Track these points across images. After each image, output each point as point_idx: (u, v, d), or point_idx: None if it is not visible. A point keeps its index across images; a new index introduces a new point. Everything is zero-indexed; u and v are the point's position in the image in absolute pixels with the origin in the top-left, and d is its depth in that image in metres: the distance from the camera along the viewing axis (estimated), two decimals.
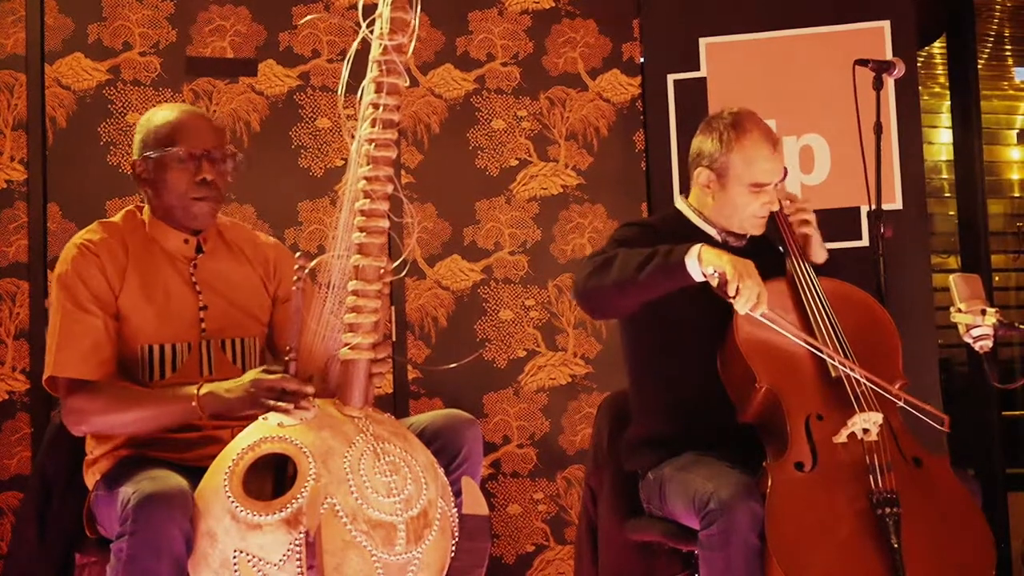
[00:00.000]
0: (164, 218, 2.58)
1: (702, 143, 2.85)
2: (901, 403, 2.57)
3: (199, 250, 2.60)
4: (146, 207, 2.62)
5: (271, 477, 2.19)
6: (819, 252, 2.86)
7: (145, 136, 2.57)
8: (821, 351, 2.58)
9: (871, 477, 2.45)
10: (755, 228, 2.85)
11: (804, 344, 2.58)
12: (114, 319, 2.48)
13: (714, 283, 2.46)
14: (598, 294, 2.66)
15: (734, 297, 2.43)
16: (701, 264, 2.48)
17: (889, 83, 3.65)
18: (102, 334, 2.45)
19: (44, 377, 2.46)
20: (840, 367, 2.57)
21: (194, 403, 2.34)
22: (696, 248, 2.50)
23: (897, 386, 2.59)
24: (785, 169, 2.94)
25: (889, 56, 3.72)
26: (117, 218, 2.62)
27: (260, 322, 2.66)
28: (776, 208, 2.83)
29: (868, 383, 2.55)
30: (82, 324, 2.44)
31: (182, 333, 2.53)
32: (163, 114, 2.58)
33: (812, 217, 2.85)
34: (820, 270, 2.82)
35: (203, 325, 2.55)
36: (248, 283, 2.66)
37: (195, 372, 2.51)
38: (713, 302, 2.60)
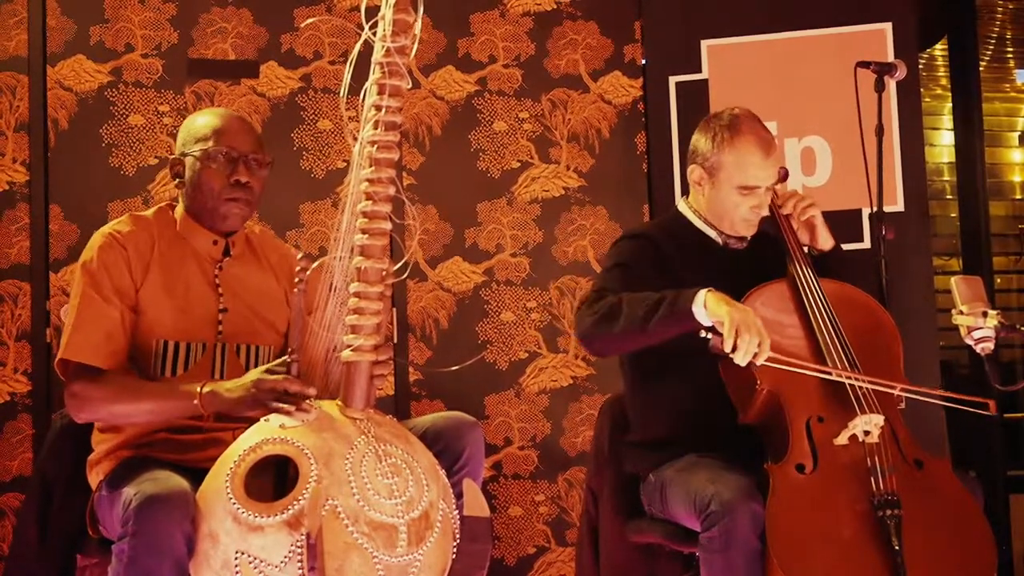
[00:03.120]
0: (196, 217, 2.60)
1: (698, 140, 2.86)
2: (936, 400, 2.59)
3: (227, 252, 2.62)
4: (179, 205, 2.64)
5: (273, 479, 2.19)
6: (827, 238, 2.87)
7: (186, 134, 2.61)
8: (831, 374, 2.56)
9: (872, 479, 2.45)
10: (745, 229, 2.85)
11: (817, 375, 2.56)
12: (132, 312, 2.50)
13: (709, 343, 2.47)
14: (604, 342, 2.68)
15: (732, 352, 2.44)
16: (707, 312, 2.50)
17: (891, 85, 3.65)
18: (117, 325, 2.47)
19: (56, 359, 2.47)
20: (853, 381, 2.56)
21: (196, 401, 2.34)
22: (701, 296, 2.51)
23: (899, 389, 2.59)
24: (787, 170, 2.95)
25: (891, 58, 3.71)
26: (149, 212, 2.64)
27: (277, 332, 2.67)
28: (765, 213, 2.83)
29: (903, 393, 2.57)
30: (99, 312, 2.45)
31: (199, 332, 2.54)
32: (206, 115, 2.63)
33: (815, 206, 2.87)
34: (828, 262, 2.83)
35: (220, 327, 2.56)
36: (270, 292, 2.67)
37: (207, 373, 2.52)
38: None
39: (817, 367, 2.56)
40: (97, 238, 2.54)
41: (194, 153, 2.56)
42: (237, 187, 2.55)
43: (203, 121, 2.60)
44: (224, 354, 2.55)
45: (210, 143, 2.55)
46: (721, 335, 2.44)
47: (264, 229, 2.81)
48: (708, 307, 2.50)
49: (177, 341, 2.51)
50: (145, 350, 2.50)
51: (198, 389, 2.35)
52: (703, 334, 2.48)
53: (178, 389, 2.39)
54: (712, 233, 2.87)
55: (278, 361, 2.32)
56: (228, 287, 2.60)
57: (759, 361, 2.45)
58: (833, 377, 2.56)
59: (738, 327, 2.43)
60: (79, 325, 2.45)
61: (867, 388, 2.55)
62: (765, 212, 2.84)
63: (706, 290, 2.52)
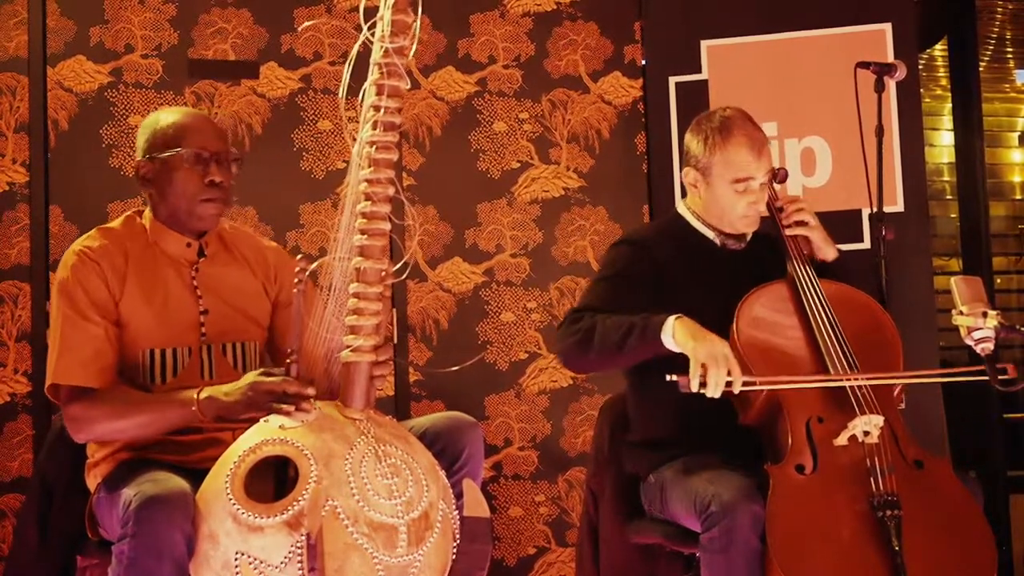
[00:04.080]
0: (167, 221, 2.58)
1: (690, 142, 2.86)
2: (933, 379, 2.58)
3: (201, 254, 2.60)
4: (147, 211, 2.61)
5: (272, 479, 2.19)
6: (827, 250, 2.86)
7: (151, 137, 2.56)
8: (814, 381, 2.57)
9: (872, 479, 2.45)
10: (746, 227, 2.85)
11: (797, 387, 2.56)
12: (115, 325, 2.48)
13: (678, 387, 2.45)
14: (580, 363, 2.77)
15: (702, 389, 2.43)
16: (675, 341, 2.52)
17: (891, 85, 3.65)
18: (103, 341, 2.45)
19: (46, 385, 2.46)
20: (847, 383, 2.56)
21: (194, 408, 2.34)
22: (670, 324, 2.52)
23: (898, 390, 2.60)
24: (786, 171, 2.95)
25: (891, 58, 3.71)
26: (116, 223, 2.61)
27: (260, 326, 2.66)
28: (763, 209, 2.83)
29: (910, 380, 2.59)
30: (83, 332, 2.43)
31: (182, 337, 2.53)
32: (169, 116, 2.58)
33: (810, 217, 2.85)
34: (828, 269, 2.83)
35: (203, 329, 2.55)
36: (249, 287, 2.66)
37: (196, 376, 2.52)
38: (713, 304, 2.61)
39: (796, 379, 2.56)
40: (69, 256, 2.51)
41: (163, 156, 2.53)
42: (212, 187, 2.53)
43: (168, 121, 2.56)
44: (211, 355, 2.55)
45: (180, 145, 2.52)
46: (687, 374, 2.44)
47: (235, 225, 2.79)
48: (676, 337, 2.51)
49: (163, 348, 2.50)
50: (132, 362, 2.49)
51: (195, 396, 2.34)
52: (669, 378, 2.45)
53: (175, 398, 2.38)
54: (711, 234, 2.87)
55: (278, 370, 2.31)
56: (206, 288, 2.59)
57: (735, 390, 2.46)
58: (811, 386, 2.56)
59: (704, 362, 2.43)
60: (65, 347, 2.43)
61: (866, 388, 2.55)
62: (763, 209, 2.83)
63: (675, 317, 2.53)
